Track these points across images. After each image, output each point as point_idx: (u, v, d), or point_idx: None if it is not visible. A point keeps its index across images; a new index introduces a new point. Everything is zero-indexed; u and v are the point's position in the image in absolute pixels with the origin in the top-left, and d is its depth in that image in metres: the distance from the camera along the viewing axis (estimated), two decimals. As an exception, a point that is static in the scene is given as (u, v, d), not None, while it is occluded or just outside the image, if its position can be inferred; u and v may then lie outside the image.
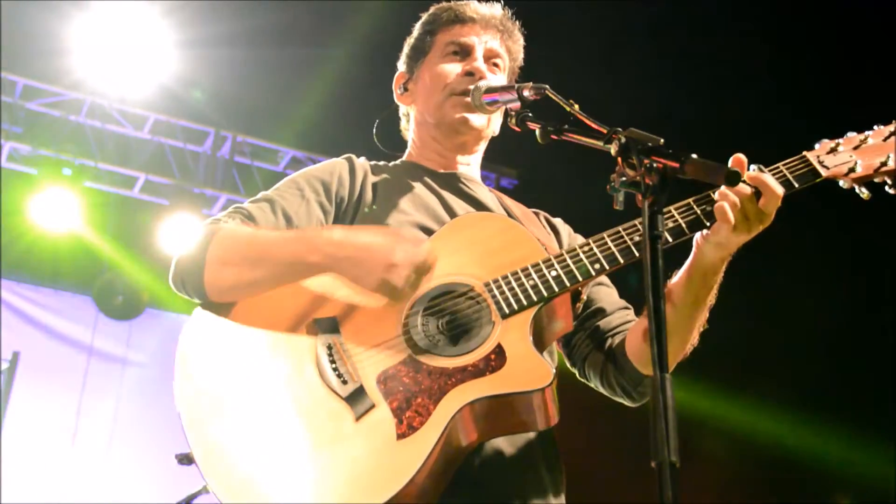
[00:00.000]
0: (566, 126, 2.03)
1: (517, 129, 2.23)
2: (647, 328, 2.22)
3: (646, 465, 1.39)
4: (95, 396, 8.37)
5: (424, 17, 2.64)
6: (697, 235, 2.10)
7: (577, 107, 2.03)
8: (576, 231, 2.60)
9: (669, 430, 1.40)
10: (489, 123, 2.54)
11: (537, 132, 2.11)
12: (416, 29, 2.65)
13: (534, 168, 8.46)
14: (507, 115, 2.30)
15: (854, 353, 8.27)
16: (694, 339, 2.22)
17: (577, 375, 2.41)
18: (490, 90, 2.38)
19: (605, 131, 1.87)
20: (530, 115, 2.19)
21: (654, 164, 1.65)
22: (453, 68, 2.51)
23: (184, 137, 8.32)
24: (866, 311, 8.08)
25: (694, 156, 1.65)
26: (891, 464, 7.65)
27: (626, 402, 2.34)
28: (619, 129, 1.81)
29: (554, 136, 2.06)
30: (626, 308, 2.42)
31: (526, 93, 2.21)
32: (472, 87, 2.44)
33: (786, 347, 8.25)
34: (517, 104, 2.24)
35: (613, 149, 1.78)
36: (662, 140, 1.72)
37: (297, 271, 2.08)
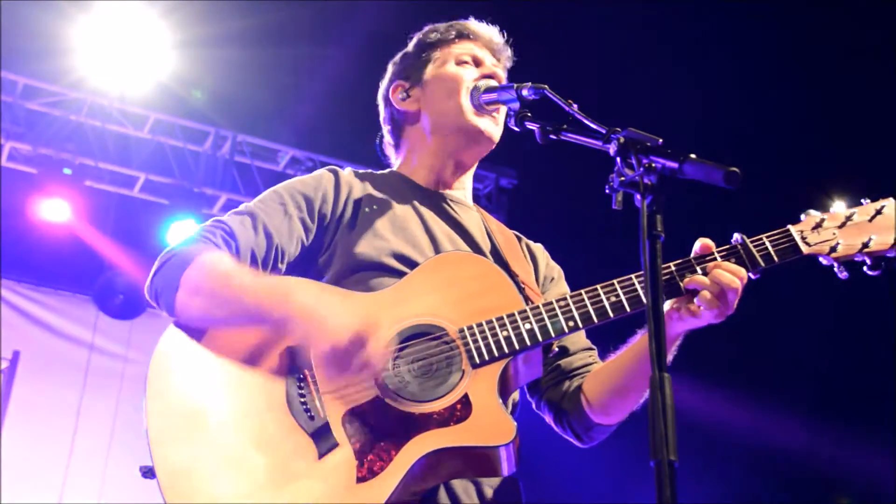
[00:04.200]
0: (565, 126, 2.03)
1: (516, 129, 2.23)
2: (604, 374, 2.25)
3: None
4: (96, 396, 8.35)
5: (422, 34, 2.61)
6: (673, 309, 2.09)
7: (575, 107, 2.02)
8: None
9: (668, 429, 1.40)
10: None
11: (536, 132, 2.11)
12: (414, 45, 2.61)
13: (534, 168, 8.45)
14: (506, 115, 2.30)
15: (854, 353, 8.27)
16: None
17: (534, 407, 2.42)
18: (489, 90, 2.38)
19: (603, 131, 1.87)
20: (529, 114, 2.18)
21: (653, 164, 1.66)
22: (468, 72, 2.48)
23: (184, 137, 8.32)
24: (866, 309, 8.07)
25: (692, 156, 1.65)
26: (891, 464, 7.65)
27: (576, 443, 2.35)
28: (618, 129, 1.81)
29: (553, 136, 2.06)
30: (590, 349, 2.42)
31: (525, 92, 2.20)
32: (471, 87, 2.43)
33: (785, 347, 8.25)
34: (516, 104, 2.23)
35: (612, 149, 1.78)
36: (661, 140, 1.72)
37: (259, 323, 2.05)
